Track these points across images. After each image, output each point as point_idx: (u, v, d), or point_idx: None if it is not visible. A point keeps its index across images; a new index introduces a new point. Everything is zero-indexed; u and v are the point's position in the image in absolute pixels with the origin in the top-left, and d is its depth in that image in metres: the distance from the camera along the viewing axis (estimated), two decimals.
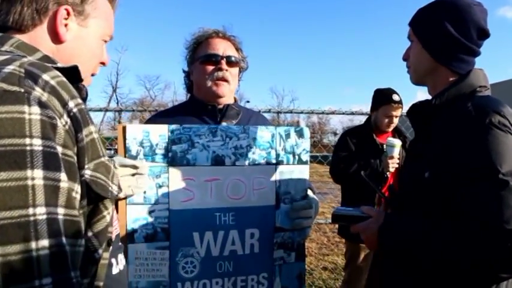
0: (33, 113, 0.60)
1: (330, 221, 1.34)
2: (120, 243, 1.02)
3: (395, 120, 2.70)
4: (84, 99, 0.80)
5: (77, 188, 0.67)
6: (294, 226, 1.25)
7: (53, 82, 0.65)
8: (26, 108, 0.59)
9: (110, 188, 0.77)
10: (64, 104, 0.66)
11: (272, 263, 1.25)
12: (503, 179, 0.88)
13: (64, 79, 0.69)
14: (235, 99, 1.54)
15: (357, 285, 2.70)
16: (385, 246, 1.07)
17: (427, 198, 1.02)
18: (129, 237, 1.10)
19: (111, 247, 0.82)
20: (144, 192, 1.11)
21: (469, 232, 0.90)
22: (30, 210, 0.57)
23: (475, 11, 1.07)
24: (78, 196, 0.67)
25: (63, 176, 0.62)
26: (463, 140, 0.96)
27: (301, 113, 4.02)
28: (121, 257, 0.97)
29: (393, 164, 2.55)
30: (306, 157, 1.28)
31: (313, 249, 4.69)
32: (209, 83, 1.38)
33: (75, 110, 0.68)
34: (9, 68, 0.62)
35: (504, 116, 0.94)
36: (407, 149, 1.19)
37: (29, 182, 0.57)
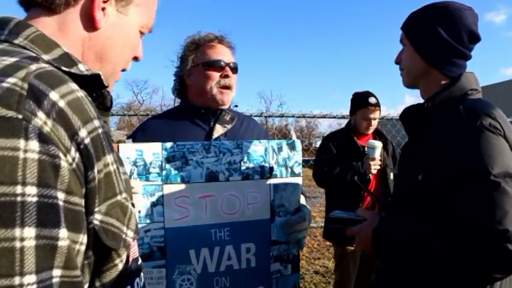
0: (30, 150, 0.48)
1: (321, 224, 1.36)
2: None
3: (374, 123, 2.75)
4: (109, 108, 0.70)
5: (82, 238, 0.55)
6: (289, 240, 1.26)
7: (62, 103, 0.53)
8: (21, 143, 0.47)
9: (123, 236, 0.63)
10: (73, 135, 0.53)
11: (269, 276, 1.25)
12: (495, 180, 0.89)
13: (79, 95, 0.57)
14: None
15: (347, 285, 2.77)
16: (379, 248, 1.08)
17: (420, 201, 1.03)
18: None
19: None
20: (139, 211, 1.10)
21: (461, 233, 0.91)
22: (17, 280, 0.46)
23: (466, 15, 1.09)
24: (83, 247, 0.56)
25: (62, 232, 0.50)
26: (455, 143, 0.97)
27: (293, 116, 4.03)
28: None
29: (375, 166, 2.59)
30: (298, 169, 1.29)
31: (304, 254, 4.70)
32: (214, 90, 1.36)
33: (87, 140, 0.55)
34: (9, 82, 0.49)
35: (495, 119, 0.96)
36: (401, 152, 1.21)
37: (17, 244, 0.46)
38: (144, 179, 1.10)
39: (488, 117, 0.96)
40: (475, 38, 1.12)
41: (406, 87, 1.25)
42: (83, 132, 0.55)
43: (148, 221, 1.11)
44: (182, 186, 1.14)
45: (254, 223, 1.22)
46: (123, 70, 0.78)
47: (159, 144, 1.12)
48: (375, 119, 2.72)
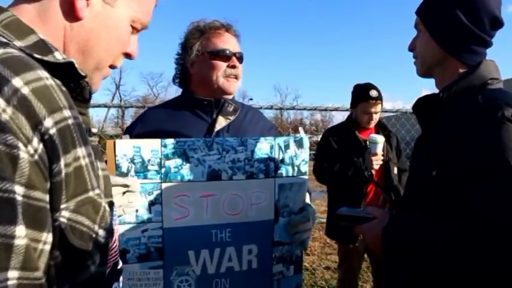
0: None
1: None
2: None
3: (376, 117, 2.60)
4: (87, 100, 0.65)
5: (46, 237, 0.51)
6: (293, 240, 1.21)
7: (25, 90, 0.49)
8: None
9: (93, 236, 0.59)
10: (36, 124, 0.49)
11: (271, 278, 1.20)
12: None
13: (48, 83, 0.53)
14: None
15: (351, 283, 2.72)
16: (389, 248, 1.02)
17: (434, 198, 0.97)
18: (121, 257, 1.05)
19: None
20: (136, 210, 1.05)
21: (479, 232, 0.84)
22: None
23: None
24: (47, 247, 0.52)
25: (19, 230, 0.46)
26: (474, 135, 0.90)
27: (304, 109, 3.96)
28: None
29: (377, 161, 2.46)
30: (305, 168, 1.23)
31: (315, 249, 4.65)
32: (221, 80, 1.31)
33: (53, 130, 0.51)
34: None
35: None
36: (414, 145, 1.13)
37: None
38: (142, 177, 1.05)
39: (510, 107, 0.88)
40: (497, 24, 1.02)
41: (420, 76, 1.15)
42: (48, 122, 0.50)
43: (145, 221, 1.06)
44: (182, 185, 1.09)
45: (257, 224, 1.16)
46: (112, 67, 0.72)
47: (158, 140, 1.07)
48: (376, 112, 2.58)
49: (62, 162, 0.53)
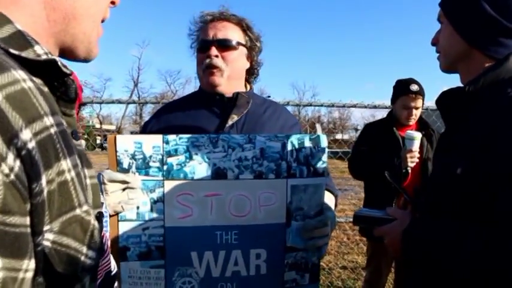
0: None
1: (351, 219, 1.22)
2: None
3: (416, 112, 2.49)
4: (73, 100, 0.58)
5: (27, 265, 0.45)
6: (308, 247, 1.12)
7: None
8: None
9: (82, 259, 0.53)
10: (11, 138, 0.42)
11: (282, 285, 1.13)
12: None
13: (26, 85, 0.46)
14: (250, 86, 1.40)
15: (378, 285, 2.62)
16: (409, 252, 0.95)
17: (459, 199, 0.89)
18: (122, 254, 1.02)
19: None
20: (138, 207, 1.01)
21: (508, 239, 0.77)
22: None
23: None
24: (29, 274, 0.46)
25: None
26: (502, 131, 0.82)
27: (321, 105, 3.84)
28: None
29: (413, 159, 2.35)
30: (322, 168, 1.13)
31: (333, 248, 4.56)
32: (201, 73, 1.27)
33: (31, 144, 0.44)
34: None
35: None
36: (437, 143, 1.07)
37: None
38: (144, 174, 1.01)
39: None
40: None
41: (443, 71, 1.08)
42: (25, 134, 0.43)
43: (146, 219, 1.02)
44: (185, 183, 1.04)
45: (266, 227, 1.10)
46: (103, 21, 0.66)
47: (159, 136, 1.02)
48: (416, 108, 2.47)
49: (44, 180, 0.46)
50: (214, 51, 1.24)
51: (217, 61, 1.25)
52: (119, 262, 1.01)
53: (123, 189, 0.98)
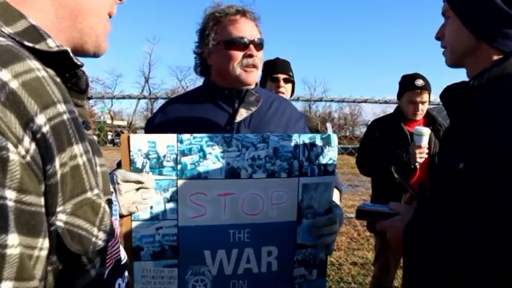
0: None
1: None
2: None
3: (422, 107, 2.47)
4: (84, 91, 0.61)
5: (42, 243, 0.48)
6: (317, 244, 1.14)
7: (14, 84, 0.44)
8: None
9: (92, 240, 0.55)
10: (27, 122, 0.45)
11: (291, 281, 1.14)
12: None
13: (40, 74, 0.49)
14: (256, 83, 1.40)
15: (386, 280, 2.62)
16: (410, 247, 0.94)
17: (460, 194, 0.88)
18: (135, 254, 1.03)
19: None
20: (151, 207, 1.02)
21: (508, 231, 0.76)
22: None
23: None
24: (44, 253, 0.48)
25: (12, 238, 0.43)
26: (506, 126, 0.81)
27: (332, 101, 3.82)
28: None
29: (421, 154, 2.34)
30: (332, 167, 1.14)
31: (343, 243, 4.55)
32: (238, 70, 1.24)
33: (46, 128, 0.47)
34: None
35: None
36: (441, 138, 1.05)
37: None
38: (157, 173, 1.01)
39: None
40: None
41: (449, 67, 1.05)
42: (40, 119, 0.46)
43: (160, 218, 1.03)
44: (199, 182, 1.04)
45: (278, 225, 1.10)
46: (110, 16, 0.67)
47: (173, 135, 1.02)
48: (422, 102, 2.46)
49: (57, 162, 0.49)
50: (254, 50, 1.25)
51: (257, 60, 1.26)
52: (133, 262, 1.02)
53: (137, 189, 0.98)
